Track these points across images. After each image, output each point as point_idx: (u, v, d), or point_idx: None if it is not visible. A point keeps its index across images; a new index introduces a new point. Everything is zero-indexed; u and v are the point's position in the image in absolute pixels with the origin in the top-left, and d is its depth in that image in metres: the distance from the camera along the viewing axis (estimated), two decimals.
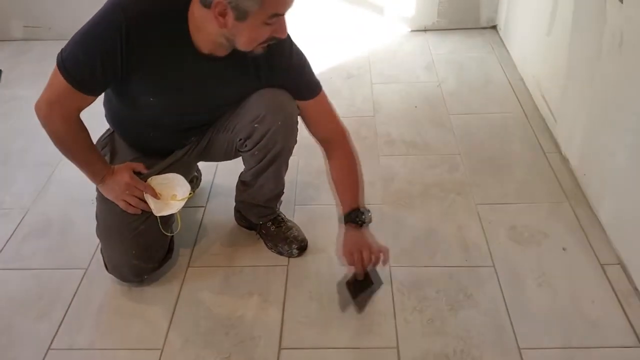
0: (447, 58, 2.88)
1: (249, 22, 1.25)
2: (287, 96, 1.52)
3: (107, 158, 1.61)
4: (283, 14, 1.28)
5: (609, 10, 1.68)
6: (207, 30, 1.32)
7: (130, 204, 1.53)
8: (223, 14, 1.24)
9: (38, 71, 2.83)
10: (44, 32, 3.12)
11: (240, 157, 1.67)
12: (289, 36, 1.49)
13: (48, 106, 1.40)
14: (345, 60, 2.89)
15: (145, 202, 1.54)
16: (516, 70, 2.70)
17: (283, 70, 1.49)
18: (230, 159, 1.71)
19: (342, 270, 1.60)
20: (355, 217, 1.51)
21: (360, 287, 1.52)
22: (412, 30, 3.16)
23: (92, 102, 1.43)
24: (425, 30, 3.16)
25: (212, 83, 1.46)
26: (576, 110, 1.96)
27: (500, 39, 3.01)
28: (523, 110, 2.41)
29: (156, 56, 1.36)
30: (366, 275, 1.50)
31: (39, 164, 2.18)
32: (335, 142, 1.59)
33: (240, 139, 1.56)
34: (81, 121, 1.45)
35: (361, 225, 1.51)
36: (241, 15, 1.24)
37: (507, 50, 2.88)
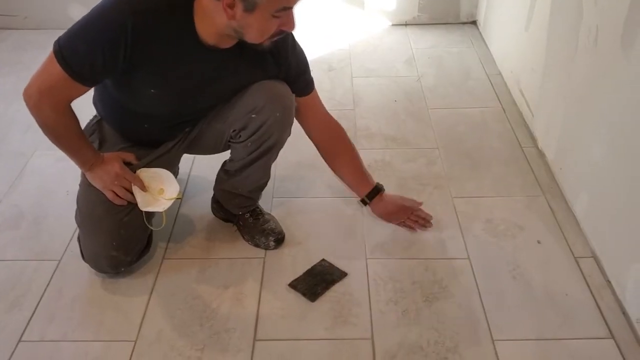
0: (427, 52, 2.88)
1: (258, 14, 1.26)
2: (286, 89, 1.54)
3: (95, 145, 1.58)
4: (291, 8, 1.29)
5: (584, 5, 1.69)
6: (216, 21, 1.31)
7: (117, 195, 1.51)
8: (232, 6, 1.25)
9: (13, 60, 2.80)
10: (19, 22, 3.06)
11: (227, 149, 1.67)
12: (291, 32, 1.51)
13: (39, 94, 1.36)
14: (327, 52, 2.89)
15: (133, 194, 1.52)
16: (495, 65, 2.71)
17: (287, 65, 1.53)
18: (219, 152, 1.70)
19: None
20: (378, 190, 1.75)
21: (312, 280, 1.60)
22: (393, 24, 3.17)
23: (85, 92, 1.40)
24: (406, 25, 3.16)
25: (215, 75, 1.45)
26: (553, 105, 1.97)
27: (480, 34, 3.03)
28: (501, 104, 2.42)
29: (161, 50, 1.35)
30: (322, 268, 1.63)
31: (13, 154, 2.15)
32: (336, 138, 1.71)
33: (235, 130, 1.55)
34: (72, 110, 1.42)
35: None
36: (249, 7, 1.24)
37: (487, 45, 2.90)
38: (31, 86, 1.37)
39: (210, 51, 1.39)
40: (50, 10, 3.02)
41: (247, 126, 1.53)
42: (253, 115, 1.51)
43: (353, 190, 1.78)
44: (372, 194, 1.75)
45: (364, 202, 1.77)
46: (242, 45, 1.39)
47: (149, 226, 1.58)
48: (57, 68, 1.32)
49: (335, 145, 1.72)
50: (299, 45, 1.56)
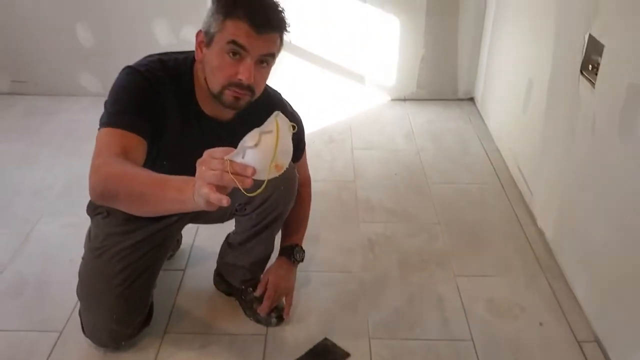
0: (426, 127, 2.96)
1: (214, 48, 1.31)
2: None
3: (101, 216, 1.55)
4: (244, 47, 1.28)
5: (581, 94, 1.77)
6: (199, 78, 1.38)
7: (215, 189, 1.02)
8: (200, 44, 1.33)
9: (22, 126, 2.85)
10: (30, 88, 3.14)
11: (231, 219, 1.69)
12: (290, 106, 1.59)
13: (96, 160, 1.25)
14: (328, 125, 2.97)
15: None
16: (493, 142, 2.78)
17: None
18: (222, 222, 1.73)
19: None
20: (294, 252, 1.70)
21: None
22: (392, 99, 3.26)
23: (136, 148, 1.28)
24: (404, 100, 3.26)
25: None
26: (551, 186, 2.02)
27: (478, 110, 3.11)
28: (500, 181, 2.47)
29: (170, 119, 1.39)
30: (324, 348, 1.62)
31: (19, 221, 2.16)
32: (302, 185, 1.70)
33: (240, 204, 1.58)
34: (127, 160, 1.24)
35: (293, 262, 1.71)
36: (209, 40, 1.31)
37: (484, 122, 2.98)
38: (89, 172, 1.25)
39: (212, 123, 1.44)
40: (60, 77, 3.11)
41: (251, 201, 1.56)
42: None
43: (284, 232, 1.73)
44: (288, 252, 1.70)
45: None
46: (242, 118, 1.42)
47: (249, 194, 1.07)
48: (101, 131, 1.31)
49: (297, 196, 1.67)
50: (297, 116, 1.60)
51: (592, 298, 1.71)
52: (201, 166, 1.05)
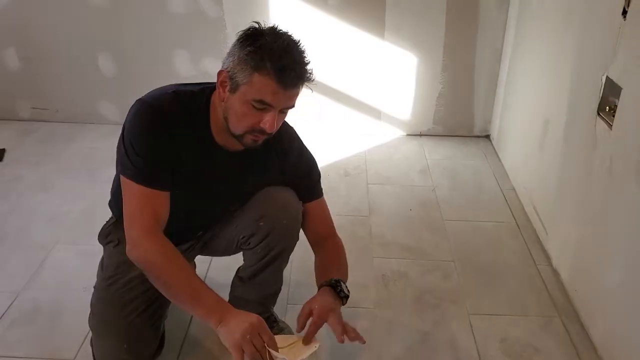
0: (442, 164, 2.96)
1: (238, 96, 1.32)
2: (293, 196, 1.58)
3: (112, 245, 1.59)
4: (270, 104, 1.31)
5: (598, 135, 1.76)
6: (217, 112, 1.40)
7: (244, 355, 1.23)
8: (223, 84, 1.34)
9: (41, 151, 2.89)
10: (50, 114, 3.19)
11: (238, 252, 1.69)
12: (300, 140, 1.60)
13: (130, 224, 1.35)
14: (343, 158, 2.98)
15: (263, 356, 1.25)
16: (508, 180, 2.77)
17: (292, 173, 1.58)
18: (230, 255, 1.73)
19: None
20: (336, 284, 1.46)
21: None
22: (408, 134, 3.27)
23: (165, 206, 1.39)
24: (420, 135, 3.27)
25: (228, 177, 1.51)
26: (567, 226, 2.00)
27: (494, 148, 3.11)
28: (515, 220, 2.46)
29: (186, 155, 1.42)
30: None
31: (34, 247, 2.17)
32: (328, 239, 1.66)
33: (244, 236, 1.59)
34: (168, 240, 1.36)
35: (339, 294, 1.46)
36: (234, 87, 1.32)
37: (500, 160, 2.97)
38: (127, 232, 1.36)
39: (223, 153, 1.46)
40: (80, 105, 3.16)
41: (255, 233, 1.57)
42: (261, 223, 1.55)
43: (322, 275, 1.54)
44: (330, 283, 1.48)
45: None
46: (250, 149, 1.44)
47: None
48: (130, 186, 1.36)
49: (323, 244, 1.62)
50: (307, 154, 1.61)
51: (609, 343, 1.68)
52: (247, 332, 1.23)
